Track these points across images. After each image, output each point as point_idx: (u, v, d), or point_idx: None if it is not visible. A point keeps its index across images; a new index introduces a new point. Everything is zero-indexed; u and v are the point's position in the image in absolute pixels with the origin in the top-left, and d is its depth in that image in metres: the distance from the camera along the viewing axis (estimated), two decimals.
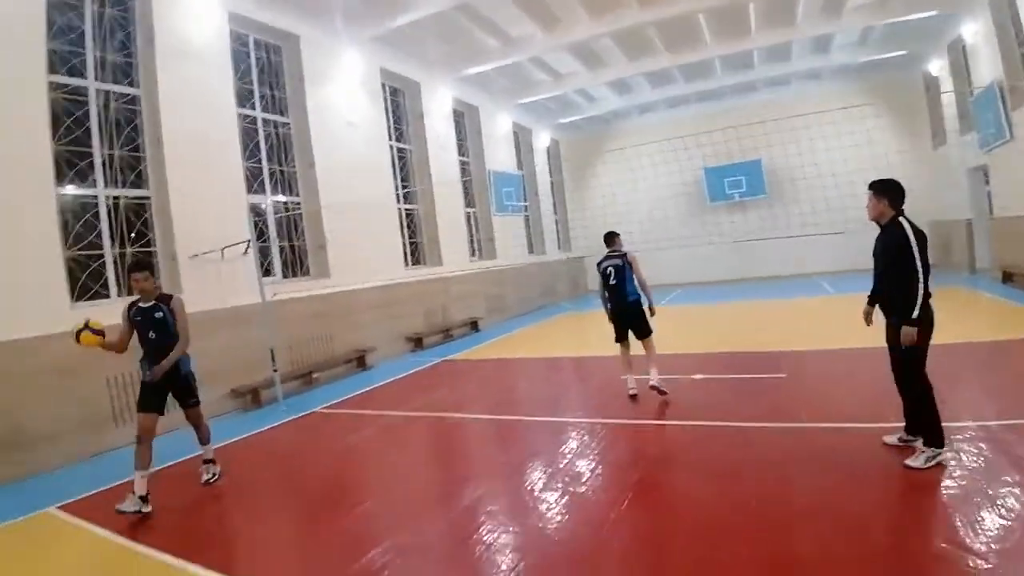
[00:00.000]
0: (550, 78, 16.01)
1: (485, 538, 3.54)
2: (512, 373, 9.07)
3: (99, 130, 7.41)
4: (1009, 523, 3.00)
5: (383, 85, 12.36)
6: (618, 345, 6.55)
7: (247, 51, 9.63)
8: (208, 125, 8.29)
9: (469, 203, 15.54)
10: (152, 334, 4.71)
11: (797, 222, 17.96)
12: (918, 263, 3.75)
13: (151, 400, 4.64)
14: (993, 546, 2.81)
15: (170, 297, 4.87)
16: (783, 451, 4.41)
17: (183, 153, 7.89)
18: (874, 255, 4.12)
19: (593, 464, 4.62)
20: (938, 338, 3.93)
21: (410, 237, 12.97)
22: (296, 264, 10.09)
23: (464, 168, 15.50)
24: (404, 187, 12.96)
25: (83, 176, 7.22)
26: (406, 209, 12.96)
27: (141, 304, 4.75)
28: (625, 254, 6.50)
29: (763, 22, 13.58)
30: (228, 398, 7.87)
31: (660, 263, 19.80)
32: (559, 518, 3.76)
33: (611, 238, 6.69)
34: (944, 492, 3.49)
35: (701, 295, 16.40)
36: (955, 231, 14.95)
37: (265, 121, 9.79)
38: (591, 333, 12.84)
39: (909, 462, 3.85)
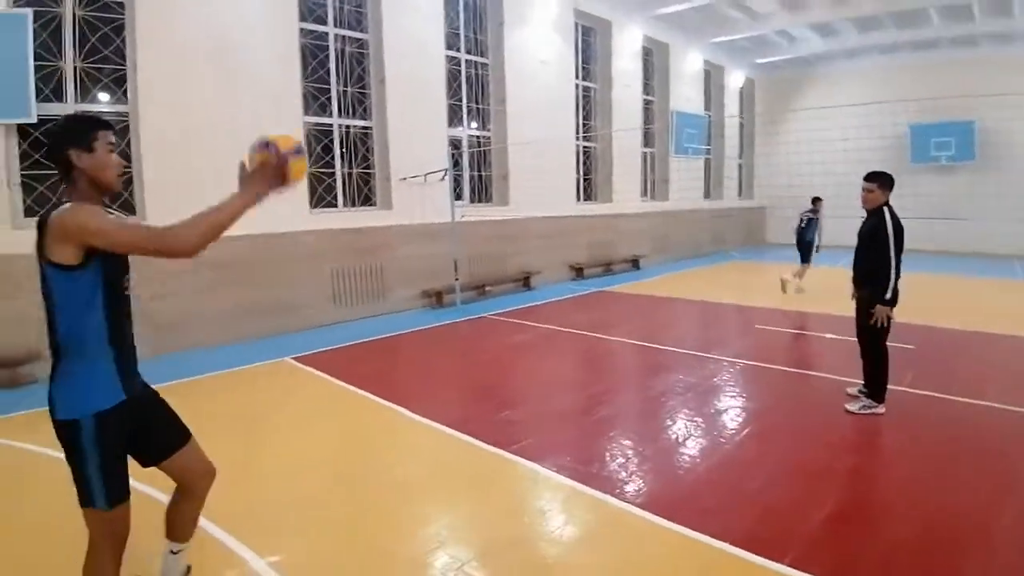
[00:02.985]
0: (746, 17, 15.43)
1: (601, 414, 4.68)
2: (660, 309, 9.86)
3: (336, 69, 9.20)
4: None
5: (575, 24, 13.06)
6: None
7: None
8: (421, 67, 9.78)
9: (648, 142, 15.90)
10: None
11: (1006, 192, 15.92)
12: (891, 251, 4.47)
13: (124, 471, 2.14)
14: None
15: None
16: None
17: (400, 91, 9.48)
18: (859, 236, 4.76)
19: (700, 385, 5.49)
20: None
21: (584, 173, 13.87)
22: (482, 191, 11.58)
23: (647, 107, 15.81)
24: (585, 125, 13.77)
25: (323, 107, 9.11)
26: (584, 146, 13.82)
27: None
28: (817, 210, 10.74)
29: None
30: (418, 297, 9.71)
31: (853, 225, 18.62)
32: (668, 423, 4.76)
33: (815, 200, 10.89)
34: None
35: None
36: None
37: (468, 62, 11.12)
38: (753, 283, 13.06)
39: (848, 406, 4.79)
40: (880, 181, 4.70)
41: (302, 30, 8.62)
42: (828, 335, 7.36)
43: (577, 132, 13.29)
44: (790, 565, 2.74)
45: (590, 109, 14.05)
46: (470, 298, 10.30)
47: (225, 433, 4.48)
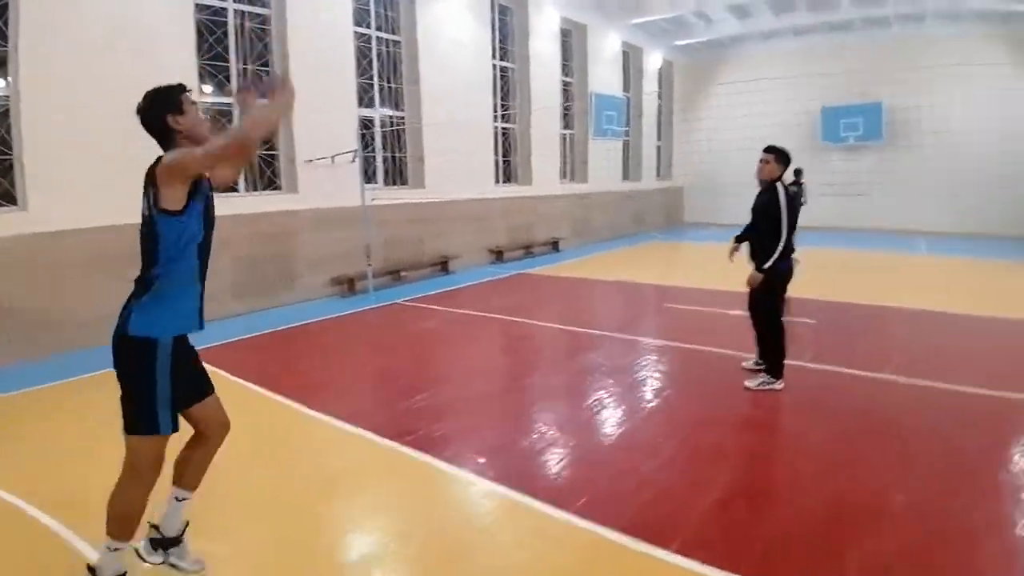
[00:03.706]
0: None
1: (503, 401, 4.58)
2: (574, 291, 9.90)
3: (235, 46, 8.63)
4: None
5: (492, 3, 12.80)
6: None
7: None
8: (328, 44, 9.28)
9: (567, 124, 15.89)
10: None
11: (910, 173, 16.93)
12: (783, 226, 4.60)
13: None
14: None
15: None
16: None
17: (305, 69, 8.92)
18: (752, 210, 4.89)
19: (604, 366, 5.49)
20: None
21: (504, 155, 13.72)
22: (397, 173, 11.24)
23: (566, 88, 15.77)
24: (503, 106, 13.60)
25: (221, 86, 8.53)
26: (502, 128, 13.65)
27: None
28: (799, 181, 10.09)
29: None
30: (329, 284, 9.34)
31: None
32: (569, 408, 4.71)
33: (798, 172, 10.40)
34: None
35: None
36: None
37: (379, 39, 10.69)
38: (669, 262, 13.35)
39: (747, 383, 4.88)
40: (777, 154, 4.81)
41: (198, 5, 8.04)
42: (734, 312, 7.54)
43: (495, 113, 13.10)
44: (676, 551, 2.72)
45: (508, 90, 13.87)
46: (385, 284, 10.01)
47: (111, 437, 4.09)
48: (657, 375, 5.42)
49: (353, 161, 9.30)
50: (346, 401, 4.83)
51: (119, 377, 2.30)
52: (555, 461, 3.73)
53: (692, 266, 10.83)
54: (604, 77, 16.62)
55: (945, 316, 7.27)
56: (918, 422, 4.20)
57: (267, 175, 9.04)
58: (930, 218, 16.80)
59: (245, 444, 4.11)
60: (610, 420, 4.39)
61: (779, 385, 4.82)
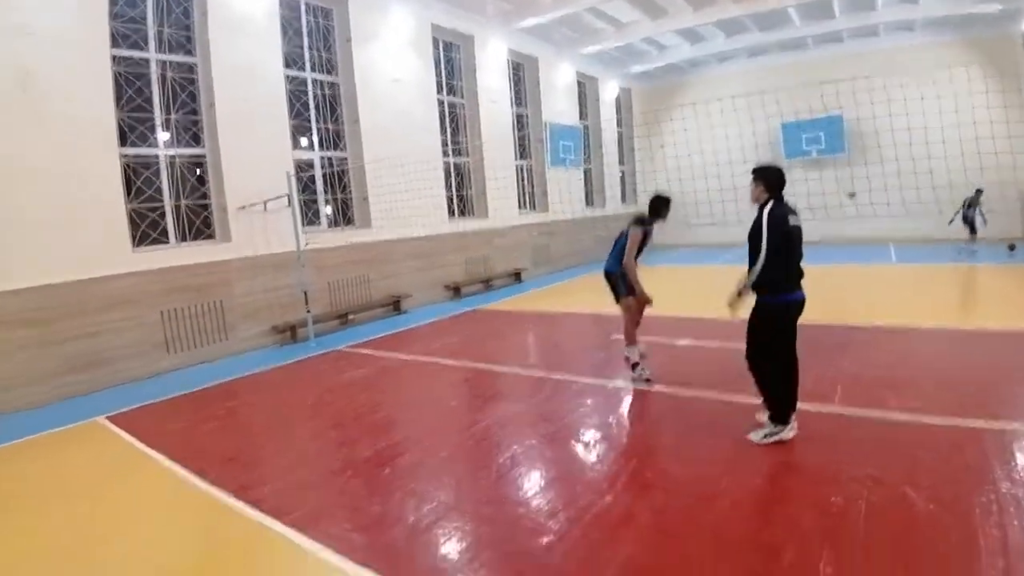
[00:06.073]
0: (612, 27, 15.67)
1: (400, 465, 4.21)
2: (524, 326, 9.52)
3: (159, 97, 8.42)
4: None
5: (435, 40, 12.74)
6: None
7: (298, 16, 10.32)
8: (257, 89, 9.10)
9: (523, 155, 15.78)
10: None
11: (876, 183, 16.85)
12: (763, 248, 3.92)
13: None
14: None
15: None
16: (665, 412, 4.70)
17: (234, 115, 8.77)
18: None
19: (523, 416, 5.14)
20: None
21: (457, 189, 13.52)
22: (342, 215, 10.98)
23: (520, 120, 15.71)
24: (454, 141, 13.45)
25: (144, 138, 8.28)
26: (454, 162, 13.48)
27: None
28: (977, 198, 13.46)
29: None
30: (268, 333, 8.97)
31: (732, 220, 19.21)
32: (472, 475, 4.34)
33: (978, 192, 13.41)
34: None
35: None
36: None
37: (314, 81, 10.53)
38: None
39: (750, 436, 4.16)
40: (756, 175, 4.16)
41: (116, 57, 7.84)
42: (682, 341, 7.23)
43: (445, 148, 12.94)
44: None
45: (458, 125, 13.74)
46: (332, 328, 9.66)
47: None
48: (582, 425, 5.05)
49: (288, 205, 9.03)
50: (234, 472, 4.43)
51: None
52: (446, 549, 3.36)
53: (654, 290, 10.47)
54: (559, 107, 16.59)
55: (918, 332, 6.87)
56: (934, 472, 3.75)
57: (196, 224, 8.73)
58: (899, 226, 16.64)
59: (110, 526, 3.71)
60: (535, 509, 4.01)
61: (788, 433, 4.09)
